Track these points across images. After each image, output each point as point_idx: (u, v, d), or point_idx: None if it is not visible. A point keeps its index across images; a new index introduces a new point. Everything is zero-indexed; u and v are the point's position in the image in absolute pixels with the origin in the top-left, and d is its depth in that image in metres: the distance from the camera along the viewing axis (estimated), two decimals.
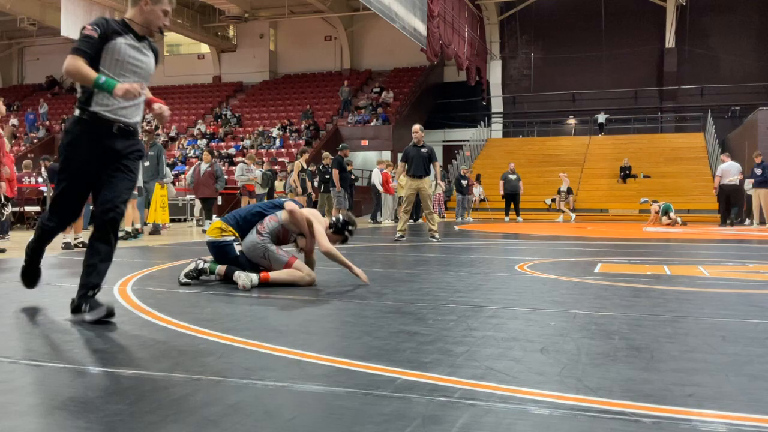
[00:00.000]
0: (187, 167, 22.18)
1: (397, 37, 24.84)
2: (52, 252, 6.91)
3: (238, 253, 4.52)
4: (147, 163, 10.49)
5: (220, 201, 15.20)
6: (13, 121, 29.37)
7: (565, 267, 5.97)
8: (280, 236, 4.57)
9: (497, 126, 30.82)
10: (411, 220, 14.35)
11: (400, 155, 11.55)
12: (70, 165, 3.19)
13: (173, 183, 15.54)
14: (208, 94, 32.60)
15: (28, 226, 12.88)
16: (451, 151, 28.30)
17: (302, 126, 26.98)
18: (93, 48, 3.07)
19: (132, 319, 3.24)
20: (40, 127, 29.84)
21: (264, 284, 4.31)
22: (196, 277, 4.51)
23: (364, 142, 26.40)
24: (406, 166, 9.84)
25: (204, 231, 10.47)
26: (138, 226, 9.85)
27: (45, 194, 12.47)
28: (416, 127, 9.79)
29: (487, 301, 3.86)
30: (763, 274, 5.51)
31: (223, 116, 29.42)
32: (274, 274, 4.37)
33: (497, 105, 30.90)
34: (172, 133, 28.33)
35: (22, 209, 12.96)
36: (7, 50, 36.35)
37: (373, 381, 2.14)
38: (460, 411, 1.84)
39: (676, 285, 4.72)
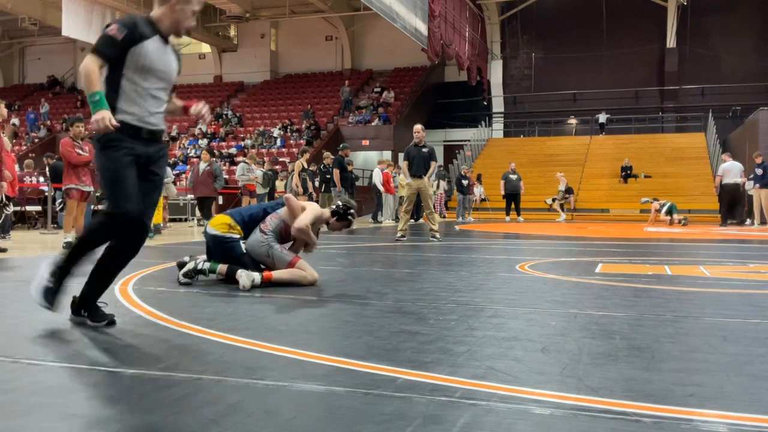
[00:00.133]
0: (188, 167, 22.19)
1: (398, 37, 24.81)
2: (52, 252, 6.90)
3: (244, 251, 4.51)
4: None
5: (221, 201, 15.20)
6: (15, 120, 29.38)
7: (566, 267, 5.97)
8: (283, 234, 4.57)
9: (498, 126, 30.79)
10: (412, 220, 14.35)
11: (401, 155, 11.54)
12: (119, 154, 2.92)
13: (174, 183, 15.52)
14: (209, 94, 32.57)
15: (29, 226, 12.90)
16: (451, 150, 28.27)
17: (303, 126, 26.98)
18: (115, 51, 2.86)
19: (133, 318, 3.25)
20: (41, 126, 29.85)
21: (267, 284, 4.31)
22: (194, 276, 4.50)
23: (365, 142, 26.39)
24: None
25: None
26: None
27: (46, 194, 12.46)
28: (417, 126, 9.79)
29: (488, 301, 3.86)
30: (763, 274, 5.51)
31: (224, 116, 29.43)
32: (277, 274, 4.38)
33: (498, 105, 30.88)
34: (173, 133, 28.33)
35: (23, 209, 12.97)
36: (9, 50, 36.35)
37: (373, 381, 2.14)
38: (460, 411, 1.84)
39: (677, 285, 4.72)
